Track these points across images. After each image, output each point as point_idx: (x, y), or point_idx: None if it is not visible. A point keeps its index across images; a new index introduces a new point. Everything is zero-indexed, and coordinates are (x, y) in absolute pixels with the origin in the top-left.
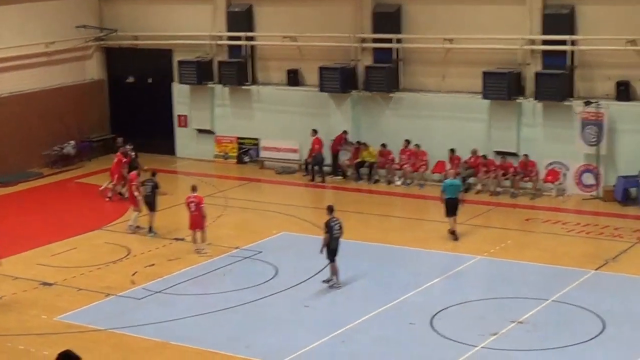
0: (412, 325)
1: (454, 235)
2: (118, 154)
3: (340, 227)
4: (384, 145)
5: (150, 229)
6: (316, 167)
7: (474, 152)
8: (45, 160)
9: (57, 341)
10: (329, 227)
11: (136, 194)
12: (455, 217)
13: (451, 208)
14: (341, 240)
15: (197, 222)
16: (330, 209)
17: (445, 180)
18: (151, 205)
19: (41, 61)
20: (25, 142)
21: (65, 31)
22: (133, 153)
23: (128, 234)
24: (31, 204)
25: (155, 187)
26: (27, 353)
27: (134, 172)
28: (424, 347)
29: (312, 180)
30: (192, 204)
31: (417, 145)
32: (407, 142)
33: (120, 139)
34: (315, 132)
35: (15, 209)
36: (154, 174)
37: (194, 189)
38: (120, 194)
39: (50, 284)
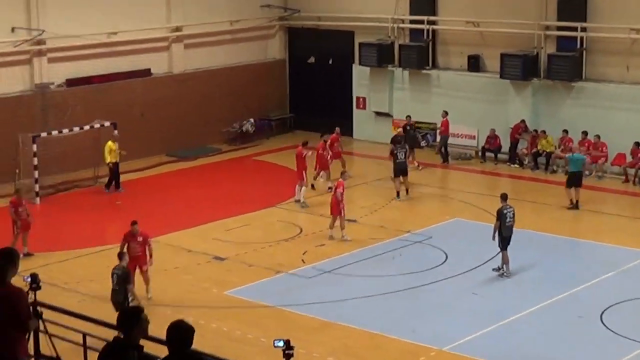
0: (581, 319)
1: (574, 205)
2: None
3: (514, 215)
4: (565, 132)
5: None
6: (443, 149)
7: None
8: (225, 137)
9: (227, 315)
10: (501, 215)
11: (325, 153)
12: (578, 189)
13: (574, 180)
14: (514, 229)
15: (333, 206)
16: (503, 197)
17: (573, 154)
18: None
19: (225, 39)
20: (206, 118)
21: (250, 10)
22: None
23: (300, 212)
24: (209, 180)
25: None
26: (197, 325)
27: (300, 147)
28: (592, 341)
29: (445, 161)
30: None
31: (597, 136)
32: (585, 133)
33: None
34: (446, 113)
35: (194, 184)
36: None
37: (341, 174)
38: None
39: (222, 259)
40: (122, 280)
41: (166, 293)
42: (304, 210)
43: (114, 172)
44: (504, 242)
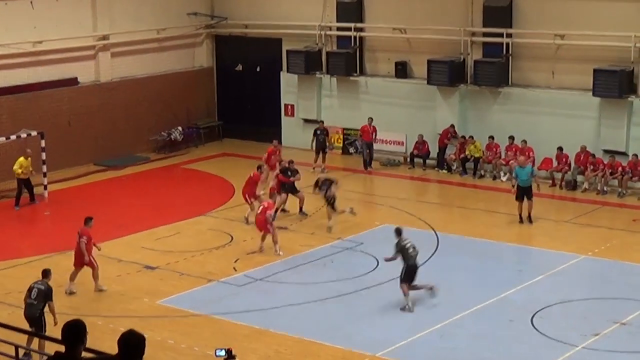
0: (512, 323)
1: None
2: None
3: (415, 247)
4: (491, 138)
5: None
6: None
7: (583, 149)
8: (153, 146)
9: (159, 324)
10: (400, 248)
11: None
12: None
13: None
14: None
15: (261, 226)
16: (398, 232)
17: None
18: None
19: (152, 47)
20: (134, 126)
21: (177, 18)
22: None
23: (231, 220)
24: (138, 188)
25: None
26: None
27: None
28: (523, 344)
29: (365, 167)
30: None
31: (524, 141)
32: (512, 138)
33: None
34: (370, 119)
35: (123, 193)
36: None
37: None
38: None
39: (153, 268)
40: (44, 296)
41: (97, 303)
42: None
43: (27, 186)
44: (408, 275)
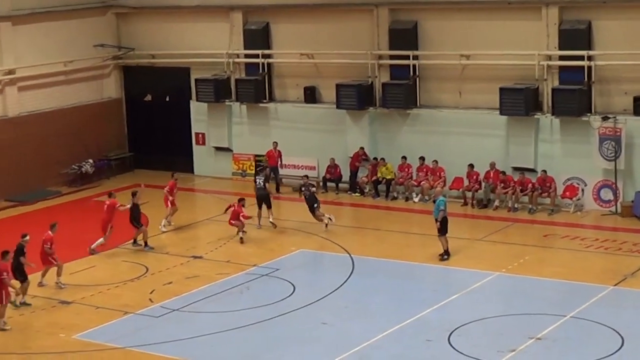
0: (430, 342)
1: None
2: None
3: (261, 183)
4: (404, 158)
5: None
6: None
7: (492, 166)
8: (64, 179)
9: (76, 359)
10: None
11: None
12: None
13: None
14: None
15: (44, 258)
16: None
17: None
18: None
19: (59, 80)
20: (43, 160)
21: (84, 50)
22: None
23: (145, 252)
24: (49, 223)
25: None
26: None
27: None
28: None
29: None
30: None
31: (435, 162)
32: (422, 159)
33: None
34: (274, 144)
35: (34, 228)
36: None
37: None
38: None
39: (68, 303)
40: None
41: (12, 340)
42: (148, 250)
43: None
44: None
